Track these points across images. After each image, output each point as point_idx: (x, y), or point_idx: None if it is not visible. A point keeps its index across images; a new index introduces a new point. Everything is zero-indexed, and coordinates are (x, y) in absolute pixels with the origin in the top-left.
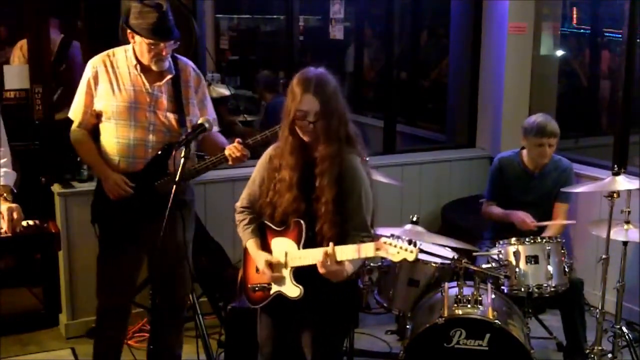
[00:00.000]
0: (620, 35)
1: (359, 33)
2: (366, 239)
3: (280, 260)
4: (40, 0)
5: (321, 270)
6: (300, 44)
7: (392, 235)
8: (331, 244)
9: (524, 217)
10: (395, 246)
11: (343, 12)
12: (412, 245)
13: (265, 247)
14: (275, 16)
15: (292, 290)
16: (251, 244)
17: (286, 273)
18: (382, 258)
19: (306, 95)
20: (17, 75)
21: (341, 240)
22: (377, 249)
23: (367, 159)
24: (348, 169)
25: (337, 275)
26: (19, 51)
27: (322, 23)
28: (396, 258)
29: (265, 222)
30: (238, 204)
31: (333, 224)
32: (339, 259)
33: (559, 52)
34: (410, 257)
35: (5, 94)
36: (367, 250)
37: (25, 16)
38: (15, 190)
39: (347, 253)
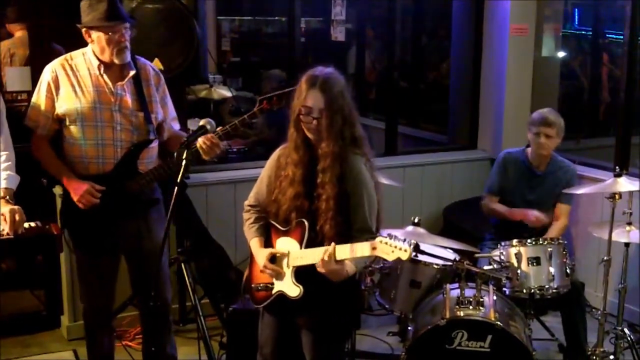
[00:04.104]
0: (621, 37)
1: (361, 35)
2: (370, 240)
3: (283, 255)
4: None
5: (321, 269)
6: (301, 45)
7: (390, 235)
8: (332, 243)
9: (537, 215)
10: (389, 245)
11: (344, 13)
12: (406, 244)
13: (270, 247)
14: (276, 18)
15: (292, 289)
16: (254, 243)
17: (288, 272)
18: (383, 259)
19: (311, 91)
20: (18, 77)
21: (344, 242)
22: (373, 248)
23: (373, 161)
24: (352, 170)
25: (337, 274)
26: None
27: (323, 25)
28: (390, 257)
29: (271, 221)
30: (246, 202)
31: (334, 224)
32: (337, 258)
33: (561, 54)
34: (404, 256)
35: (7, 96)
36: (362, 249)
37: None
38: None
39: (343, 252)
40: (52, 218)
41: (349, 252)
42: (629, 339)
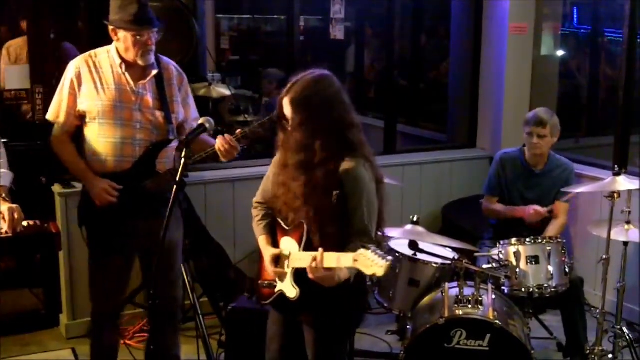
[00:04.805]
0: (620, 35)
1: (360, 33)
2: (367, 245)
3: (285, 256)
4: (40, 0)
5: (310, 275)
6: (300, 44)
7: (371, 248)
8: (320, 249)
9: (536, 208)
10: (369, 259)
11: (344, 12)
12: (383, 261)
13: (276, 244)
14: (275, 16)
15: (290, 290)
16: (262, 240)
17: (288, 273)
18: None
19: (283, 100)
20: (18, 76)
21: (341, 245)
22: (355, 260)
23: (374, 160)
24: (347, 174)
25: (327, 280)
26: (6, 51)
27: (322, 23)
28: (368, 272)
29: (277, 218)
30: (254, 199)
31: (322, 235)
32: (325, 266)
33: (560, 52)
34: (379, 272)
35: (6, 94)
36: (346, 260)
37: (24, 17)
38: (14, 188)
39: (330, 260)
40: (51, 216)
41: (335, 262)
42: (627, 337)
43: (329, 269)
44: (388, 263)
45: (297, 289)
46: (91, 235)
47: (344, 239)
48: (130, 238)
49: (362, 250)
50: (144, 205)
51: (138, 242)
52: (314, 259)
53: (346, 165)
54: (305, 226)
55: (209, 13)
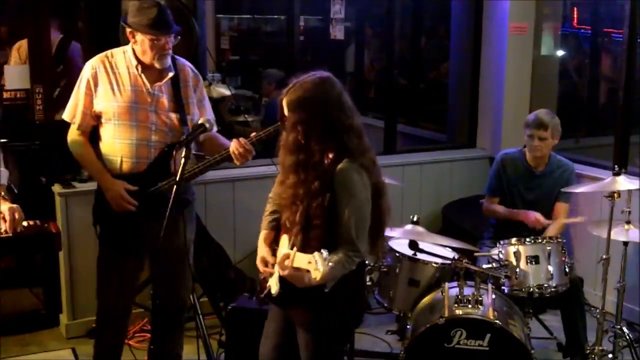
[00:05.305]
0: (620, 36)
1: (360, 33)
2: (350, 253)
3: (277, 257)
4: (40, 0)
5: (280, 272)
6: (300, 44)
7: (324, 253)
8: (294, 248)
9: (538, 216)
10: (317, 262)
11: (344, 12)
12: (322, 267)
13: (278, 241)
14: (275, 16)
15: (274, 286)
16: (261, 235)
17: (276, 269)
18: (383, 258)
19: (283, 100)
20: (17, 76)
21: (327, 248)
22: (309, 262)
23: (371, 165)
24: (338, 176)
25: (297, 280)
26: (16, 52)
27: (322, 23)
28: (313, 275)
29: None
30: (270, 194)
31: (300, 239)
32: (295, 265)
33: (560, 52)
34: (317, 277)
35: (6, 94)
36: (303, 261)
37: (25, 16)
38: (15, 191)
39: (298, 261)
40: (51, 216)
41: (299, 262)
42: (627, 337)
43: (298, 269)
44: (323, 269)
45: (278, 285)
46: (105, 235)
47: (331, 242)
48: (144, 239)
49: (316, 254)
50: (159, 207)
51: (151, 243)
52: (286, 257)
53: (340, 168)
54: (295, 225)
55: (209, 13)
